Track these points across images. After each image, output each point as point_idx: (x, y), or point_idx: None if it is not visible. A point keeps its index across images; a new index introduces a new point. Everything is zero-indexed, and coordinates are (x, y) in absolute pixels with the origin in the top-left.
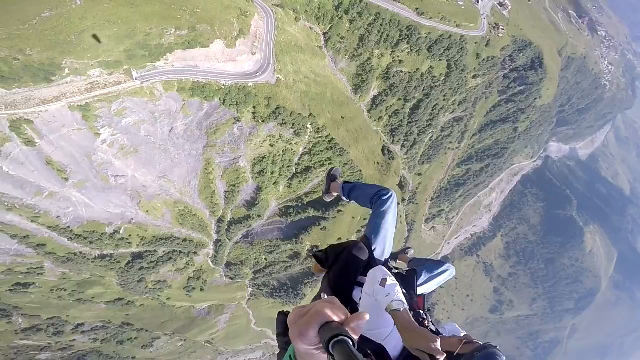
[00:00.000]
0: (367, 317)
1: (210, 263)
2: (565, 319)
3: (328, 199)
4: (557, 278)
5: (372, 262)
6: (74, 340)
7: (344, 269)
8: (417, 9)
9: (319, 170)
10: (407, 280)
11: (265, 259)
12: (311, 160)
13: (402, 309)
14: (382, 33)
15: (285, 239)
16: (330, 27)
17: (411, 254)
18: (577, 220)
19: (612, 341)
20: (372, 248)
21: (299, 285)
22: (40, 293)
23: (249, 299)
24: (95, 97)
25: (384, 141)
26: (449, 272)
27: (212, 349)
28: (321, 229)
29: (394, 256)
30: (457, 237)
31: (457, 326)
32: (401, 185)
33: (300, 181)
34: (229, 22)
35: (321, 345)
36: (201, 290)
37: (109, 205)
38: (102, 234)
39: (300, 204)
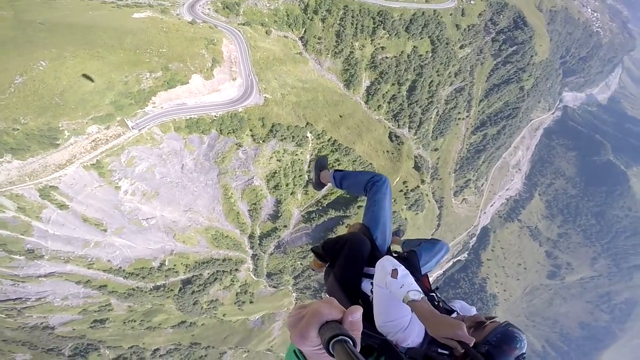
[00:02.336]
0: (360, 310)
1: (253, 276)
2: (636, 276)
3: (319, 189)
4: (613, 232)
5: (376, 252)
6: None
7: (349, 262)
8: None
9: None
10: (410, 262)
11: (301, 264)
12: None
13: (419, 299)
14: (356, 24)
15: (314, 242)
16: (305, 31)
17: (401, 235)
18: (617, 164)
19: None
20: (374, 237)
21: None
22: (115, 326)
23: (296, 302)
24: (103, 153)
25: (389, 128)
26: (444, 250)
27: (273, 356)
28: (346, 226)
29: None
30: (492, 205)
31: (465, 303)
32: (417, 167)
33: None
34: (199, 54)
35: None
36: (250, 302)
37: (149, 243)
38: (151, 268)
39: (320, 207)
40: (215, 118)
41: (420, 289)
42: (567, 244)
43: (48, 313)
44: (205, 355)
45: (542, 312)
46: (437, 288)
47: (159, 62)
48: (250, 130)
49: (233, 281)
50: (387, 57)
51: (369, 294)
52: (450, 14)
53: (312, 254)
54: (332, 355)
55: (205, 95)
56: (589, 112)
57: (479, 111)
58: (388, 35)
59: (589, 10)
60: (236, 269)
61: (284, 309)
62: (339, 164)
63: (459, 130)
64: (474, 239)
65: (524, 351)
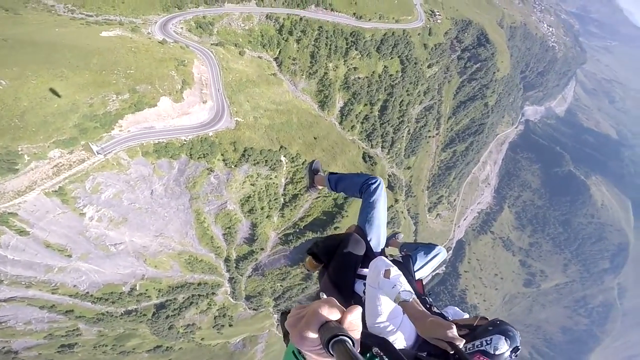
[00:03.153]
0: (360, 309)
1: (231, 299)
2: (607, 280)
3: (314, 193)
4: (579, 239)
5: (370, 253)
6: None
7: (343, 263)
8: (354, 13)
9: (306, 196)
10: (404, 266)
11: (280, 285)
12: (296, 188)
13: (410, 299)
14: (330, 45)
15: (293, 265)
16: (280, 51)
17: (400, 238)
18: (577, 175)
19: None
20: (368, 239)
21: None
22: (85, 351)
23: (278, 325)
24: (66, 180)
25: (363, 148)
26: (441, 255)
27: None
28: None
29: (385, 243)
30: (465, 219)
31: (457, 309)
32: (390, 187)
33: (291, 209)
34: (169, 75)
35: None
36: (230, 325)
37: (118, 268)
38: (121, 293)
39: (298, 230)
40: (184, 142)
41: (412, 290)
42: (539, 252)
43: (10, 337)
44: None
45: (523, 319)
46: (429, 293)
47: (126, 84)
48: (222, 154)
49: (210, 305)
50: (359, 78)
51: (362, 295)
52: (419, 34)
53: (307, 254)
54: (332, 355)
55: (174, 118)
56: (549, 124)
57: (447, 128)
58: (360, 55)
59: (545, 25)
60: (213, 293)
61: (265, 331)
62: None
63: (430, 148)
64: (450, 252)
65: (518, 344)
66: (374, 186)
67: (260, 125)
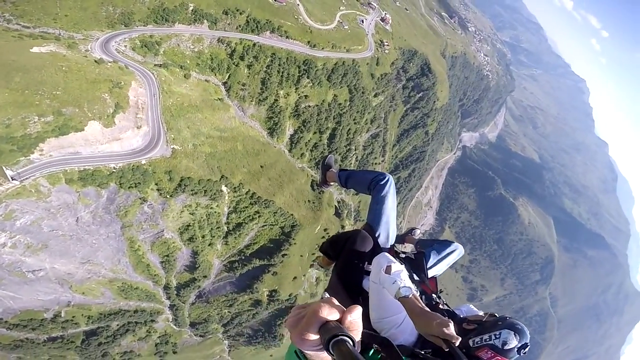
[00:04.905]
0: (360, 309)
1: (174, 326)
2: (539, 290)
3: (325, 189)
4: (512, 254)
5: (377, 250)
6: None
7: (350, 260)
8: (308, 41)
9: (251, 224)
10: (417, 264)
11: (228, 311)
12: (240, 217)
13: (410, 295)
14: (282, 72)
15: (240, 291)
16: (229, 76)
17: (417, 234)
18: (507, 197)
19: (595, 301)
20: (376, 235)
21: (272, 327)
22: None
23: (230, 350)
24: None
25: (312, 176)
26: (457, 252)
27: None
28: (272, 274)
29: (401, 239)
30: None
31: (472, 306)
32: (338, 214)
33: (235, 237)
34: (100, 98)
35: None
36: (174, 352)
37: (37, 294)
38: (42, 319)
39: (243, 257)
40: (114, 170)
41: (412, 286)
42: (478, 268)
43: None
44: None
45: None
46: (441, 291)
47: (51, 105)
48: (156, 184)
49: (150, 332)
50: (309, 106)
51: (368, 290)
52: (367, 63)
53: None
54: (332, 355)
55: (103, 144)
56: (482, 150)
57: (392, 156)
58: (312, 84)
59: (482, 54)
60: (152, 320)
61: (216, 357)
62: (259, 216)
63: None
64: None
65: (527, 341)
66: (382, 182)
67: (199, 153)
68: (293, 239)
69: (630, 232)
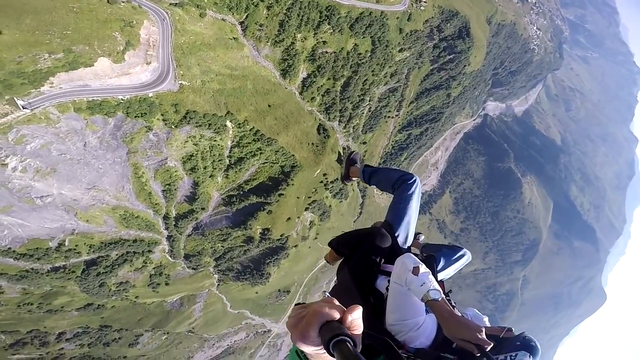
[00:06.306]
0: (360, 309)
1: (169, 258)
2: (515, 271)
3: (348, 183)
4: (503, 231)
5: (396, 250)
6: (62, 348)
7: (366, 257)
8: None
9: (252, 160)
10: (428, 266)
11: (221, 246)
12: (242, 152)
13: (439, 299)
14: (302, 16)
15: (234, 227)
16: (247, 16)
17: (422, 239)
18: (515, 172)
19: (560, 291)
20: (396, 234)
21: (261, 265)
22: (9, 310)
23: (218, 284)
24: None
25: (319, 120)
26: (465, 257)
27: (196, 337)
28: (267, 212)
29: None
30: None
31: (477, 311)
32: (340, 160)
33: (236, 171)
34: (111, 37)
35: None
36: (166, 284)
37: (45, 222)
38: (47, 248)
39: (242, 192)
40: (121, 101)
41: (440, 289)
42: (467, 238)
43: None
44: (120, 338)
45: None
46: (450, 291)
47: (61, 44)
48: (162, 115)
49: (146, 263)
50: (327, 52)
51: (383, 291)
52: (397, 18)
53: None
54: (333, 356)
55: (112, 78)
56: (504, 122)
57: (407, 112)
58: (332, 30)
59: (535, 27)
60: (149, 251)
61: (205, 291)
62: (261, 153)
63: (387, 128)
64: None
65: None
66: (409, 182)
67: (207, 89)
68: (291, 180)
69: (623, 232)
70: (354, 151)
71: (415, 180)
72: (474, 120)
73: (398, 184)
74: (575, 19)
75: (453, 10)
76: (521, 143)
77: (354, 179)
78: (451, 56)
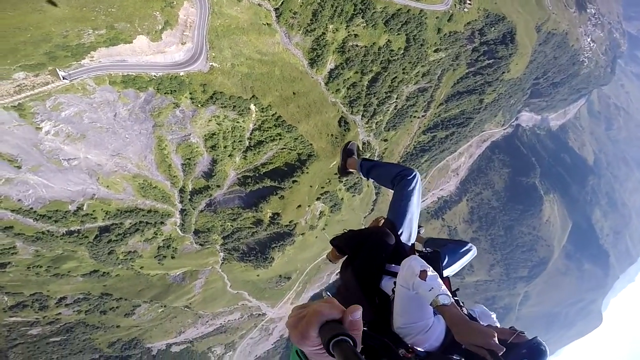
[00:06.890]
0: (361, 309)
1: (179, 231)
2: (518, 286)
3: (344, 176)
4: (514, 245)
5: (400, 249)
6: (60, 313)
7: (371, 257)
8: None
9: (271, 144)
10: (433, 263)
11: (231, 225)
12: (262, 136)
13: (449, 303)
14: (336, 7)
15: (246, 207)
16: (282, 3)
17: (422, 232)
18: (539, 188)
19: (558, 311)
20: (399, 232)
21: (266, 249)
22: (18, 271)
23: (222, 263)
24: (27, 98)
25: (342, 112)
26: (471, 252)
27: (191, 313)
28: (279, 197)
29: None
30: (424, 200)
31: (484, 307)
32: (358, 154)
33: (254, 153)
34: (151, 16)
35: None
36: (172, 257)
37: (68, 184)
38: (66, 211)
39: (257, 174)
40: (154, 77)
41: (450, 294)
42: (476, 248)
43: None
44: (117, 307)
45: None
46: (457, 289)
47: (105, 21)
48: (190, 93)
49: (156, 234)
50: (357, 46)
51: (389, 292)
52: (437, 17)
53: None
54: (333, 356)
55: (148, 55)
56: (536, 134)
57: (435, 113)
58: (365, 24)
59: (589, 39)
60: (162, 222)
61: (208, 268)
62: (280, 138)
63: (412, 128)
64: None
65: None
66: (410, 177)
67: (236, 72)
68: (307, 168)
69: (638, 259)
70: (350, 142)
71: (415, 176)
72: (504, 129)
73: (398, 180)
74: (638, 33)
75: (500, 14)
76: (550, 159)
77: (351, 171)
78: (490, 61)
